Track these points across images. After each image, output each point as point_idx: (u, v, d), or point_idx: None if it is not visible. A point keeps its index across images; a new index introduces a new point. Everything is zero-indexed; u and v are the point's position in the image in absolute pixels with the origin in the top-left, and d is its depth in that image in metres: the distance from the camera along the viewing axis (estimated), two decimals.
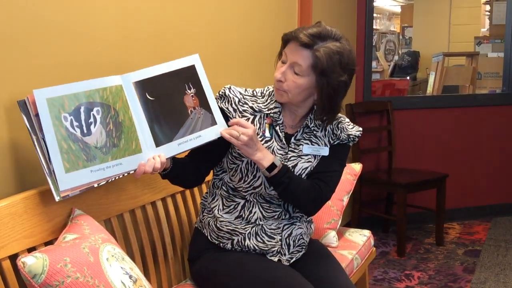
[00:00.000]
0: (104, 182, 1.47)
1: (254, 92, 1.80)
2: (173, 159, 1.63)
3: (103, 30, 1.72)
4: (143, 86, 1.55)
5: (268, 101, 1.76)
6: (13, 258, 1.34)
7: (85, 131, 1.42)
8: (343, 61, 1.62)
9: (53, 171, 1.37)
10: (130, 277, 1.41)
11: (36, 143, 1.37)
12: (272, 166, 1.64)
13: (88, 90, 1.44)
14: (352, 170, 2.50)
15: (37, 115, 1.36)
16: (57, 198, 1.38)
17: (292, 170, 1.72)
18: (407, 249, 3.67)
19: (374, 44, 5.30)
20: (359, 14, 3.98)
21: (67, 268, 1.26)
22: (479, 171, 4.27)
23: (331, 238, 2.30)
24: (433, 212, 3.75)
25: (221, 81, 2.31)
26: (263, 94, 1.79)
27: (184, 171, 1.69)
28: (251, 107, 1.75)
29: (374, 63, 5.36)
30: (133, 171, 1.52)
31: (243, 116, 1.73)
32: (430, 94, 5.24)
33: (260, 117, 1.75)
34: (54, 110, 1.37)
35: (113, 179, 1.49)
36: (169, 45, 2.04)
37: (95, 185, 1.45)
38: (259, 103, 1.76)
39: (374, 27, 5.10)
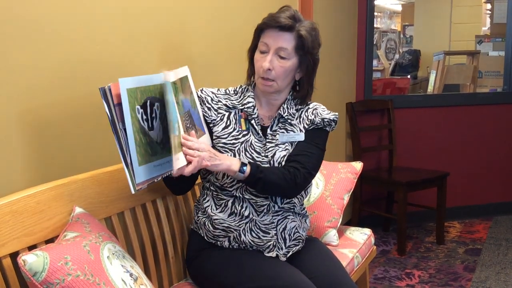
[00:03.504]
0: (160, 178, 1.45)
1: (227, 90, 1.85)
2: None
3: (102, 28, 1.72)
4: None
5: (241, 97, 1.81)
6: (14, 256, 1.33)
7: (150, 126, 1.40)
8: (318, 36, 1.77)
9: (131, 163, 1.33)
10: (131, 275, 1.41)
11: (115, 134, 1.33)
12: (241, 168, 1.62)
13: (152, 85, 1.41)
14: (353, 168, 2.50)
15: (118, 104, 1.31)
16: (133, 191, 1.36)
17: (271, 159, 1.75)
18: (407, 247, 3.67)
19: (375, 42, 5.30)
20: (360, 12, 3.98)
21: (68, 266, 1.26)
22: (480, 170, 4.27)
23: (331, 237, 2.30)
24: (434, 210, 3.75)
25: (222, 79, 2.31)
26: (236, 92, 1.84)
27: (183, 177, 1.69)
28: (225, 104, 1.80)
29: (375, 62, 5.36)
30: (170, 172, 1.49)
31: (218, 113, 1.77)
32: (431, 93, 5.24)
33: (235, 113, 1.80)
34: (131, 101, 1.33)
35: (164, 176, 1.46)
36: (169, 44, 2.04)
37: (155, 180, 1.43)
38: (232, 100, 1.81)
39: (375, 25, 5.09)
